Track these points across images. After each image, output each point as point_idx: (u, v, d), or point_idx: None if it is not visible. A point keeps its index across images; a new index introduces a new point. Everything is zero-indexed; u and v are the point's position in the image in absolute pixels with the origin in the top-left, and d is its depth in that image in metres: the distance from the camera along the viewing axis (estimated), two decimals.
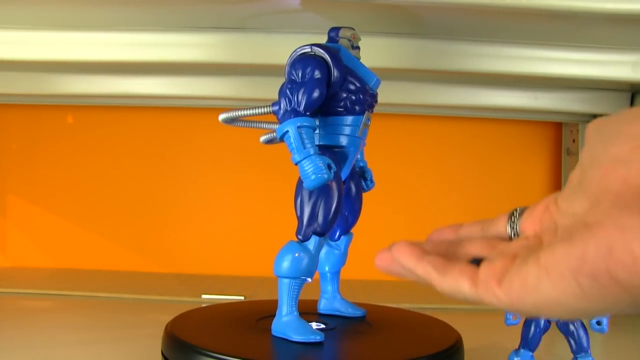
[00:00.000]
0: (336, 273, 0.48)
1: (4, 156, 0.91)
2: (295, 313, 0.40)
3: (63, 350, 0.47)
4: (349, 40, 0.44)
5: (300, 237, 0.41)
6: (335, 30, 0.45)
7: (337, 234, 0.47)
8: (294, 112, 0.39)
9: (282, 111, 0.39)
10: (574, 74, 0.63)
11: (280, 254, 0.41)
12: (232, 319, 0.45)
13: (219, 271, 0.89)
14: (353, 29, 0.45)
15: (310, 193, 0.40)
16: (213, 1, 0.55)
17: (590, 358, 0.39)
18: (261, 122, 0.44)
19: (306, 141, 0.38)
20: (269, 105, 0.40)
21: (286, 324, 0.40)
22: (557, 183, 0.91)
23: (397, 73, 0.67)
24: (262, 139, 0.46)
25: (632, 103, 0.76)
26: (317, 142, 0.42)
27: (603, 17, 0.52)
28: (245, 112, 0.41)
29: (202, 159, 0.90)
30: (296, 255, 0.40)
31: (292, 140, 0.38)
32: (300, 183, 0.41)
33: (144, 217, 0.90)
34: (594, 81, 0.68)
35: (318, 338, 0.39)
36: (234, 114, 0.42)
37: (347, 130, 0.43)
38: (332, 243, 0.47)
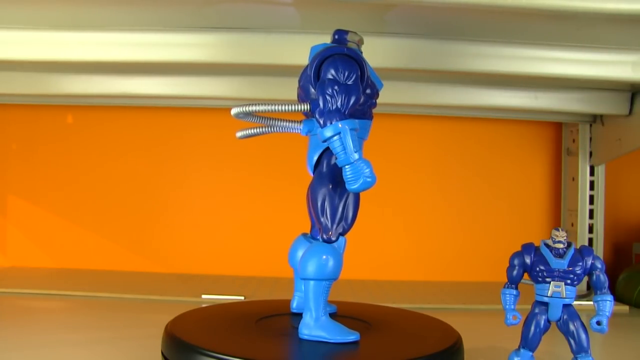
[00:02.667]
0: None
1: (4, 156, 0.91)
2: (327, 315, 0.40)
3: (63, 350, 0.47)
4: (357, 44, 0.44)
5: (327, 238, 0.40)
6: (342, 33, 0.44)
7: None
8: (339, 114, 0.38)
9: (324, 110, 0.38)
10: (574, 74, 0.63)
11: (308, 256, 0.40)
12: (232, 319, 0.45)
13: (219, 271, 0.89)
14: (358, 34, 0.45)
15: (339, 194, 0.40)
16: (213, 1, 0.55)
17: (591, 358, 0.39)
18: (277, 119, 0.42)
19: (355, 144, 0.37)
20: (306, 104, 0.39)
21: (321, 326, 0.39)
22: (557, 183, 0.91)
23: (397, 73, 0.67)
24: (239, 134, 0.44)
25: (632, 103, 0.76)
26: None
27: (603, 17, 0.52)
28: (265, 108, 0.39)
29: (203, 159, 0.90)
30: (326, 257, 0.39)
31: (341, 142, 0.37)
32: (319, 184, 0.41)
33: (144, 217, 0.90)
34: (594, 81, 0.68)
35: (354, 337, 0.39)
36: (248, 108, 0.39)
37: (359, 133, 0.42)
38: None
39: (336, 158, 0.38)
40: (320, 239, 0.40)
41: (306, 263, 0.40)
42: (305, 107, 0.39)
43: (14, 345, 0.48)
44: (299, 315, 0.47)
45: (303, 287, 0.47)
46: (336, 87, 0.38)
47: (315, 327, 0.39)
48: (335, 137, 0.37)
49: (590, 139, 0.85)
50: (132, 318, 0.60)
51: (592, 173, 0.85)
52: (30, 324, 0.55)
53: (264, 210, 0.89)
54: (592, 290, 0.40)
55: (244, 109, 0.39)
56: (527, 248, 0.40)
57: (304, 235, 0.47)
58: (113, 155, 0.90)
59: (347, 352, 0.38)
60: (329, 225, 0.40)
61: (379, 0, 0.52)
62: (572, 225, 0.86)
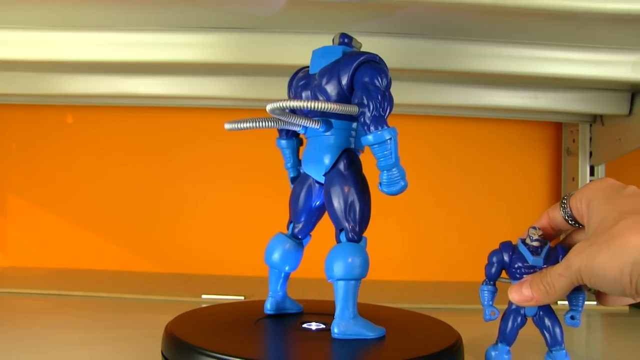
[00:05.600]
0: (289, 273, 0.47)
1: (4, 156, 0.91)
2: (357, 313, 0.41)
3: (63, 350, 0.47)
4: (358, 50, 0.44)
5: (352, 237, 0.41)
6: (348, 37, 0.44)
7: (305, 232, 0.47)
8: (384, 120, 0.39)
9: (372, 116, 0.39)
10: (574, 74, 0.63)
11: (335, 257, 0.40)
12: (232, 319, 0.45)
13: (219, 271, 0.89)
14: (359, 41, 0.45)
15: (363, 195, 0.41)
16: (213, 1, 0.55)
17: (564, 351, 0.40)
18: (295, 116, 0.41)
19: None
20: (356, 104, 0.39)
21: (358, 324, 0.40)
22: (557, 183, 0.91)
23: (397, 73, 0.67)
24: (228, 126, 0.40)
25: (632, 103, 0.76)
26: (349, 146, 0.43)
27: (603, 17, 0.52)
28: (306, 104, 0.38)
29: (202, 159, 0.90)
30: (352, 257, 0.40)
31: (389, 148, 0.39)
32: (342, 185, 0.41)
33: (144, 217, 0.90)
34: (594, 81, 0.68)
35: (383, 332, 0.41)
36: (287, 103, 0.38)
37: None
38: (297, 241, 0.47)
39: (376, 161, 0.39)
40: (345, 239, 0.41)
41: (333, 264, 0.40)
42: (353, 109, 0.39)
43: (14, 345, 0.48)
44: (298, 315, 0.47)
45: (280, 288, 0.47)
46: (380, 94, 0.39)
47: (351, 325, 0.40)
48: (384, 142, 0.39)
49: (590, 139, 0.85)
50: (132, 318, 0.60)
51: (592, 173, 0.85)
52: (30, 324, 0.55)
53: (264, 210, 0.89)
54: None
55: (280, 104, 0.38)
56: (506, 246, 0.41)
57: (282, 234, 0.47)
58: (113, 155, 0.90)
59: (348, 352, 0.38)
60: (356, 225, 0.41)
61: (379, 1, 0.52)
62: None
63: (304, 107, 0.38)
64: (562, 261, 0.36)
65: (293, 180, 0.50)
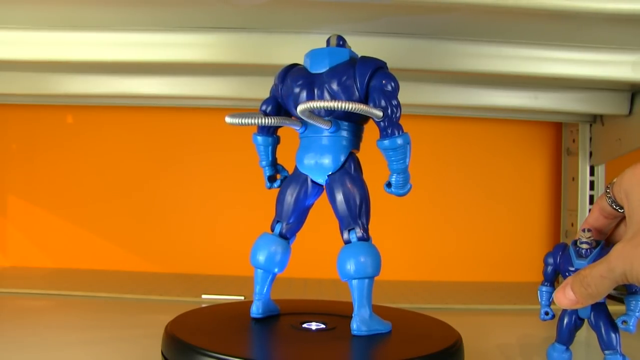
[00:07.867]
0: (276, 275, 0.47)
1: (4, 156, 0.91)
2: (372, 311, 0.42)
3: (63, 350, 0.47)
4: None
5: (362, 236, 0.42)
6: (343, 39, 0.45)
7: (293, 232, 0.47)
8: (399, 125, 0.40)
9: (393, 120, 0.40)
10: (574, 74, 0.63)
11: (351, 257, 0.41)
12: (232, 319, 0.45)
13: (219, 271, 0.89)
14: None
15: (368, 195, 0.42)
16: (213, 1, 0.55)
17: (619, 356, 0.39)
18: (317, 118, 0.41)
19: None
20: (379, 109, 0.40)
21: (374, 321, 0.41)
22: (557, 183, 0.91)
23: (398, 73, 0.67)
24: (229, 120, 0.39)
25: (632, 103, 0.76)
26: (352, 149, 0.43)
27: (603, 17, 0.52)
28: (336, 105, 0.37)
29: (202, 159, 0.90)
30: (369, 256, 0.41)
31: (404, 151, 0.40)
32: (352, 185, 0.42)
33: (144, 217, 0.90)
34: (594, 81, 0.68)
35: (391, 326, 0.42)
36: (318, 104, 0.37)
37: (362, 137, 0.45)
38: (285, 241, 0.46)
39: (388, 163, 0.40)
40: (355, 239, 0.42)
41: (346, 264, 0.41)
42: (378, 112, 0.40)
43: (14, 345, 0.48)
44: (297, 315, 0.47)
45: (265, 290, 0.46)
46: (396, 100, 0.41)
47: (371, 322, 0.41)
48: (398, 147, 0.40)
49: (590, 139, 0.85)
50: (132, 318, 0.60)
51: (592, 173, 0.85)
52: (30, 324, 0.55)
53: (264, 210, 0.89)
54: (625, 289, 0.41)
55: (312, 105, 0.37)
56: (557, 248, 0.41)
57: (269, 234, 0.46)
58: (113, 155, 0.90)
59: (348, 352, 0.38)
60: (366, 224, 0.42)
61: (378, 1, 0.52)
62: (572, 225, 0.86)
63: (334, 107, 0.37)
64: (602, 261, 0.35)
65: (270, 179, 0.49)
